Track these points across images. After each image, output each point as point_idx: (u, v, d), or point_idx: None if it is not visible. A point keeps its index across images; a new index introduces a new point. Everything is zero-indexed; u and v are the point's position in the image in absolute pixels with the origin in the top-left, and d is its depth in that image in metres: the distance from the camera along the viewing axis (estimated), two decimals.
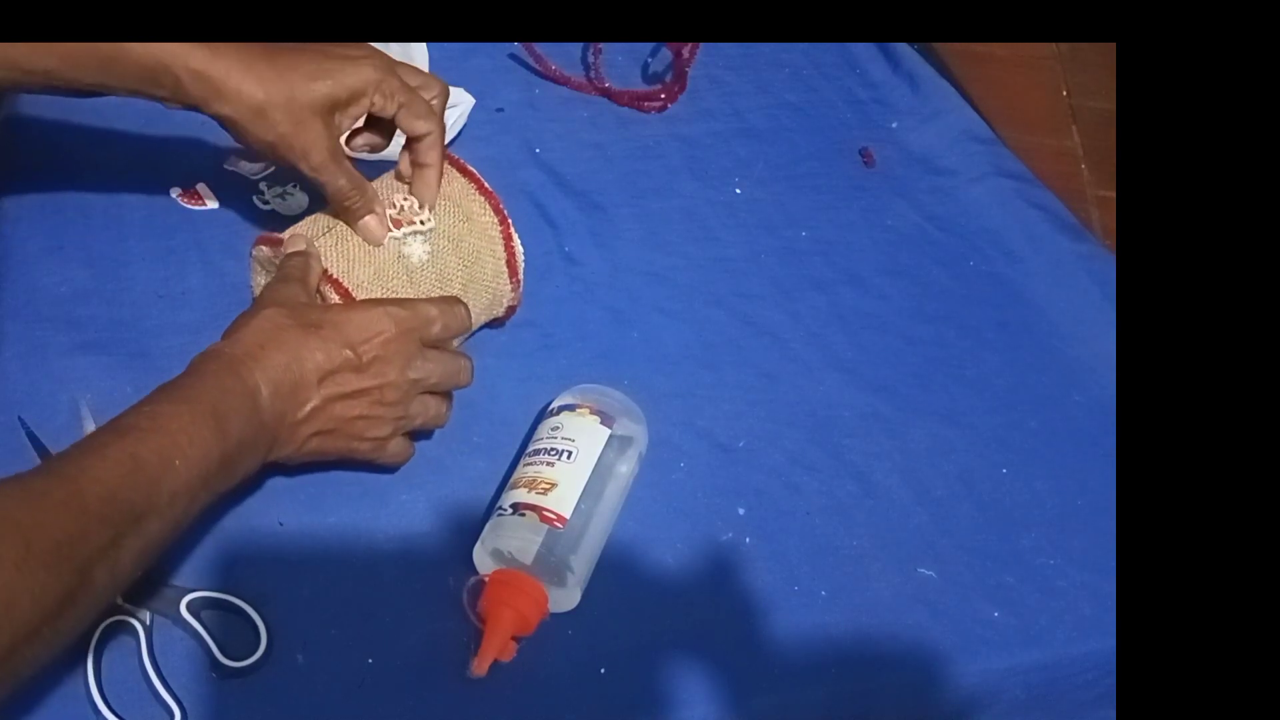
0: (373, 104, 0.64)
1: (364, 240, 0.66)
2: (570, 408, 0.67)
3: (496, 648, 0.57)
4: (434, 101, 0.67)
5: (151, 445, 0.51)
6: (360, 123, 0.68)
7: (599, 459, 0.64)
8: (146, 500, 0.50)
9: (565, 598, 0.61)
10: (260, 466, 0.58)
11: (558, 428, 0.65)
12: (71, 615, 0.48)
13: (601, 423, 0.65)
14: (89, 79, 0.61)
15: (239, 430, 0.55)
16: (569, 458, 0.63)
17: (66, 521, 0.47)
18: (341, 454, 0.62)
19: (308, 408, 0.58)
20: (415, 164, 0.68)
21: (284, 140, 0.62)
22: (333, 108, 0.63)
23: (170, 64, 0.60)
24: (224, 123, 0.63)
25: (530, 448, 0.66)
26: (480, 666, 0.57)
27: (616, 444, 0.65)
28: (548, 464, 0.63)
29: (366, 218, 0.66)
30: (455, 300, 0.65)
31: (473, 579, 0.60)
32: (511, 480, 0.64)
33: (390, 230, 0.66)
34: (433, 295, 0.67)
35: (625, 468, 0.66)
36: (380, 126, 0.70)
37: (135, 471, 0.50)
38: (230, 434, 0.54)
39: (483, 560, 0.62)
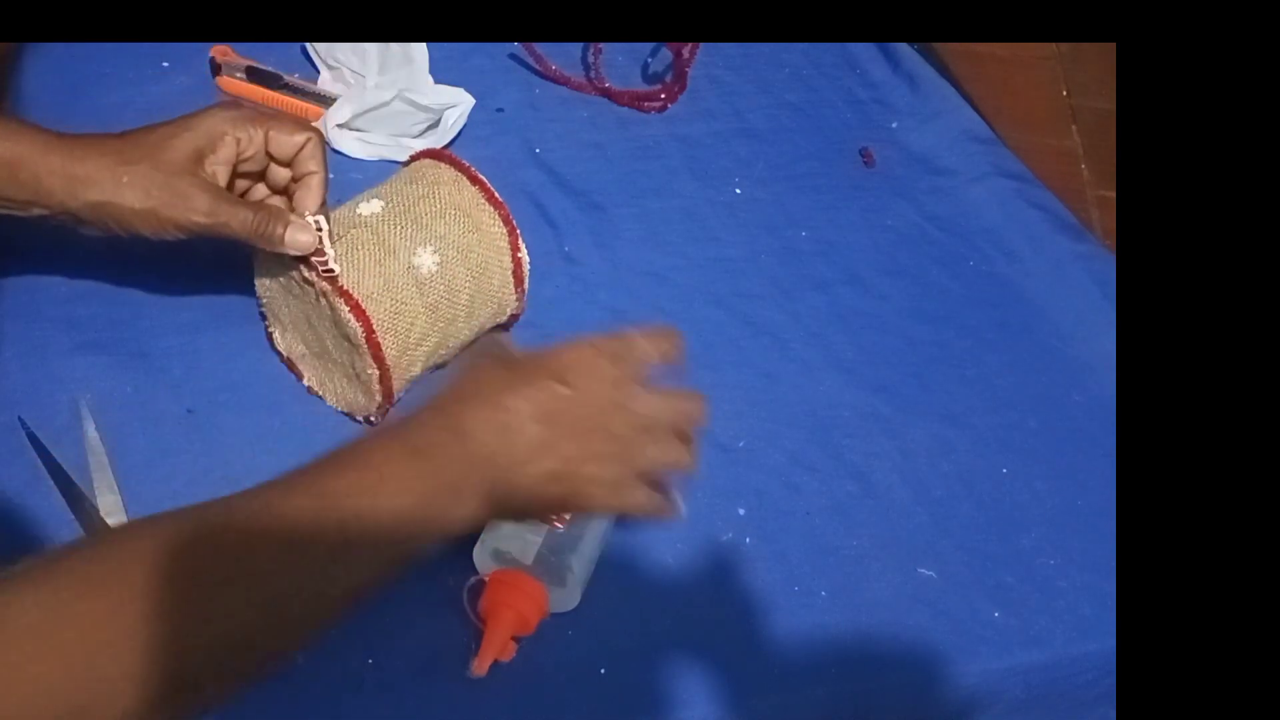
0: (238, 140, 0.62)
1: (296, 250, 0.63)
2: None
3: (497, 648, 0.57)
4: (308, 143, 0.64)
5: (359, 494, 0.48)
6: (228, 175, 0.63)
7: None
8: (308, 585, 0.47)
9: (565, 598, 0.61)
10: (479, 516, 0.53)
11: None
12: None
13: None
14: None
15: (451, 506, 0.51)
16: None
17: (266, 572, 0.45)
18: (578, 499, 0.55)
19: (527, 446, 0.52)
20: (296, 176, 0.64)
21: (162, 203, 0.60)
22: (198, 158, 0.61)
23: (26, 160, 0.58)
24: (98, 211, 0.60)
25: None
26: (480, 666, 0.57)
27: None
28: None
29: (287, 232, 0.62)
30: (669, 332, 0.58)
31: (473, 579, 0.60)
32: None
33: (318, 232, 0.63)
34: (440, 306, 0.67)
35: None
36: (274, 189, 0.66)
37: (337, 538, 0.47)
38: (441, 515, 0.51)
39: (483, 560, 0.62)
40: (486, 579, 0.59)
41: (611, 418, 0.54)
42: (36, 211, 0.61)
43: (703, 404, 0.57)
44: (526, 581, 0.59)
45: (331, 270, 0.63)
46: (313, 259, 0.63)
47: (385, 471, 0.49)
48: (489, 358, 0.55)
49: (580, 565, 0.61)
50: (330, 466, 0.49)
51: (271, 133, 0.63)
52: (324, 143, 0.65)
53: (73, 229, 0.62)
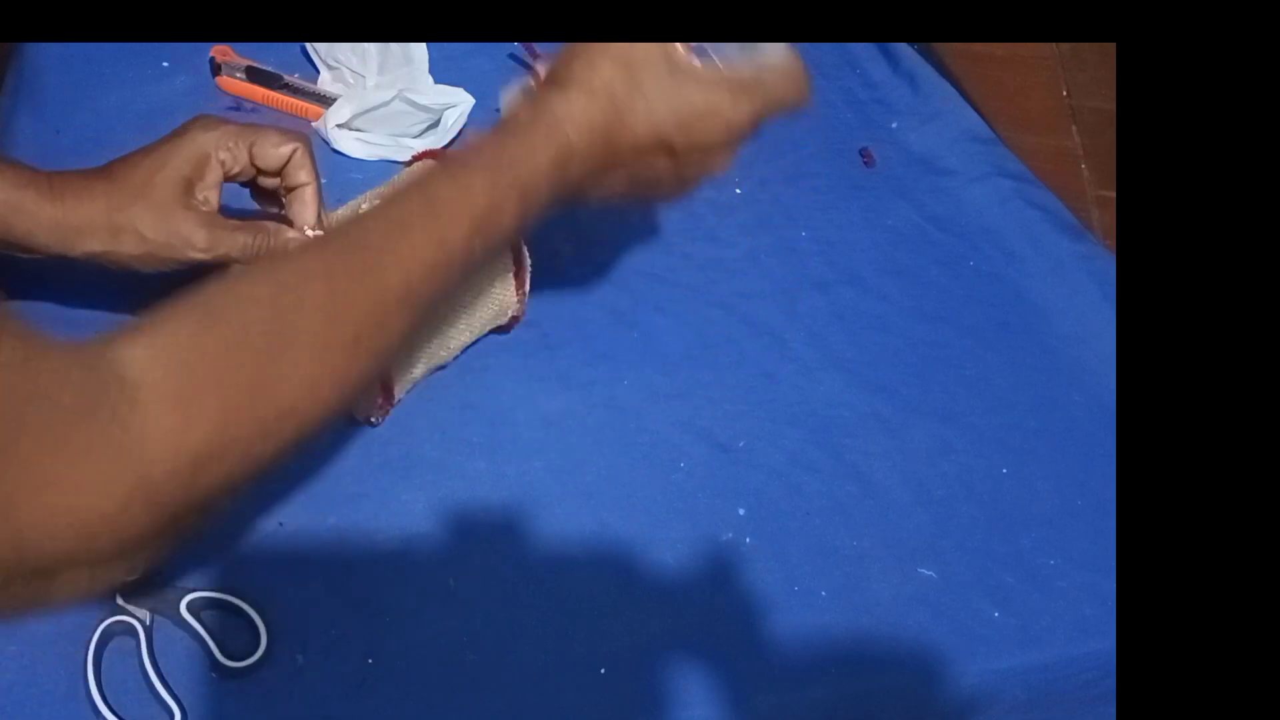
0: (223, 162, 0.61)
1: None
2: None
3: None
4: (296, 152, 0.63)
5: (460, 229, 0.49)
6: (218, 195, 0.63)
7: None
8: (443, 288, 0.49)
9: None
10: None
11: None
12: (358, 391, 0.48)
13: None
14: None
15: (540, 204, 0.54)
16: None
17: (367, 313, 0.46)
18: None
19: (610, 180, 0.57)
20: (288, 188, 0.64)
21: (159, 245, 0.59)
22: (188, 188, 0.60)
23: (20, 214, 0.58)
24: (96, 259, 0.60)
25: None
26: None
27: None
28: None
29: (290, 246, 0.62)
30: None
31: None
32: None
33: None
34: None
35: None
36: (266, 196, 0.66)
37: (439, 261, 0.48)
38: (531, 210, 0.53)
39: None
40: None
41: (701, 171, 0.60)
42: (35, 256, 0.61)
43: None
44: None
45: None
46: None
47: (496, 218, 0.51)
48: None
49: None
50: (451, 212, 0.50)
51: (255, 147, 0.62)
52: (312, 150, 0.64)
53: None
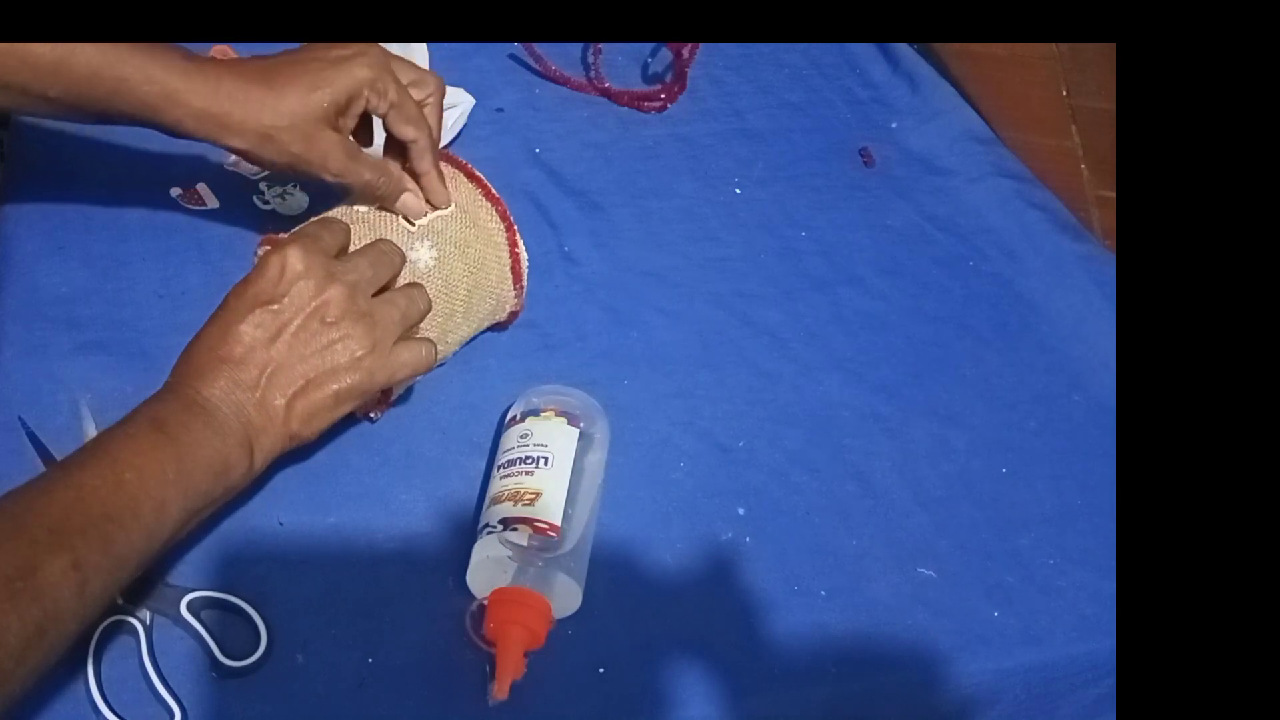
0: (368, 103, 0.64)
1: (406, 219, 0.67)
2: (534, 412, 0.66)
3: (512, 669, 0.56)
4: (429, 99, 0.67)
5: (94, 469, 0.51)
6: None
7: (574, 460, 0.63)
8: (101, 519, 0.49)
9: (568, 603, 0.61)
10: (261, 461, 0.57)
11: (527, 434, 0.64)
12: (42, 647, 0.47)
13: (569, 424, 0.65)
14: (92, 109, 0.61)
15: (190, 433, 0.54)
16: (546, 464, 0.63)
17: (15, 555, 0.47)
18: (344, 398, 0.58)
19: (266, 383, 0.56)
20: (413, 174, 0.67)
21: (299, 158, 0.63)
22: (336, 113, 0.63)
23: (169, 105, 0.60)
24: (236, 152, 0.63)
25: (502, 458, 0.65)
26: (501, 690, 0.56)
27: (585, 442, 0.65)
28: (526, 473, 0.62)
29: (403, 197, 0.66)
30: (325, 218, 0.66)
31: (473, 604, 0.59)
32: (492, 495, 0.63)
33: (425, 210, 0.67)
34: (438, 300, 0.66)
35: (596, 461, 0.65)
36: (364, 129, 0.69)
37: (81, 498, 0.50)
38: (179, 436, 0.53)
39: (478, 580, 0.61)
40: (486, 601, 0.59)
41: (321, 301, 0.58)
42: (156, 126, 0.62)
43: (396, 247, 0.63)
44: (529, 596, 0.58)
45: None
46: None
47: (132, 449, 0.52)
48: (204, 329, 0.58)
49: (578, 569, 0.61)
50: (80, 460, 0.52)
51: (393, 113, 0.65)
52: (433, 140, 0.67)
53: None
